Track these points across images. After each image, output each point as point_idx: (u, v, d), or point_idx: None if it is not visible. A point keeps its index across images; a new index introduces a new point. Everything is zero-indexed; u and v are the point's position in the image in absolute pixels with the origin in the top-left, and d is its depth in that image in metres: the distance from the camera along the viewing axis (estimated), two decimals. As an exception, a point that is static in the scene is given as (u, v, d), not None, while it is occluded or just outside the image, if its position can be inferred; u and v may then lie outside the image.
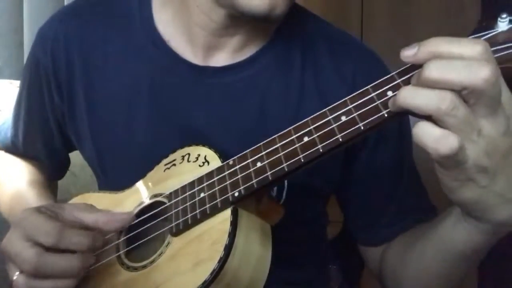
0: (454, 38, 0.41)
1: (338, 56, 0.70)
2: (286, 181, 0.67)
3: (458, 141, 0.40)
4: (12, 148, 0.85)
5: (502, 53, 0.42)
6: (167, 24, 0.70)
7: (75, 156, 0.86)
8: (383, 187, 0.71)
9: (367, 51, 0.73)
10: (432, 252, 0.58)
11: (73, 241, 0.53)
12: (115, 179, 0.72)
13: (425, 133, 0.41)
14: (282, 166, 0.51)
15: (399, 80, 0.45)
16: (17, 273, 0.53)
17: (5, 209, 0.80)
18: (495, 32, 0.43)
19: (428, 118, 0.41)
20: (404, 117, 0.48)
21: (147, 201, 0.63)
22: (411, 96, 0.41)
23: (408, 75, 0.45)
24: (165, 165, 0.65)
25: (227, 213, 0.53)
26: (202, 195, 0.56)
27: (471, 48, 0.40)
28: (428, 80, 0.40)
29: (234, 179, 0.54)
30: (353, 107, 0.48)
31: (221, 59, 0.69)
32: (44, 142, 0.80)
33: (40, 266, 0.51)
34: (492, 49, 0.42)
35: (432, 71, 0.40)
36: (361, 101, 0.47)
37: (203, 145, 0.62)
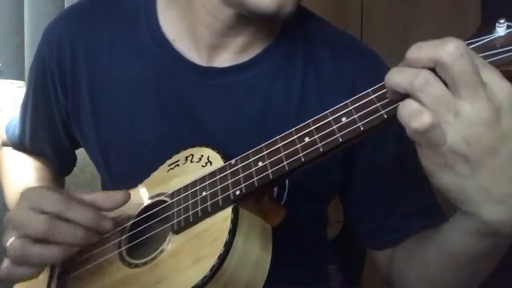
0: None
1: (339, 58, 0.71)
2: (287, 184, 0.67)
3: (431, 119, 0.41)
4: (20, 145, 0.87)
5: (499, 57, 0.43)
6: (172, 23, 0.71)
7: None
8: (385, 190, 0.71)
9: (369, 53, 0.74)
10: (434, 255, 0.58)
11: (78, 211, 0.55)
12: (120, 178, 0.73)
13: (403, 106, 0.42)
14: (283, 164, 0.52)
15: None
16: (13, 238, 0.54)
17: (13, 204, 0.81)
18: (493, 37, 0.45)
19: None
20: None
21: (150, 200, 0.64)
22: (393, 75, 0.43)
23: None
24: (169, 165, 0.66)
25: (228, 212, 0.54)
26: (204, 193, 0.57)
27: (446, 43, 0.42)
28: (407, 63, 0.43)
29: (235, 177, 0.55)
30: (353, 108, 0.49)
31: (225, 59, 0.70)
32: (50, 140, 0.82)
33: (50, 230, 0.53)
34: (490, 52, 0.44)
35: (408, 53, 0.43)
36: (361, 103, 0.49)
37: (206, 146, 0.63)
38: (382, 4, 1.68)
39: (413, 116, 0.41)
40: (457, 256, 0.54)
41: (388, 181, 0.71)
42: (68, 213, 0.54)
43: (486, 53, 0.44)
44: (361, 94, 0.49)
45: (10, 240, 0.54)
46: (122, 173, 0.73)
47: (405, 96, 0.43)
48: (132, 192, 0.67)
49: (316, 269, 0.81)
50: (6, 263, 0.56)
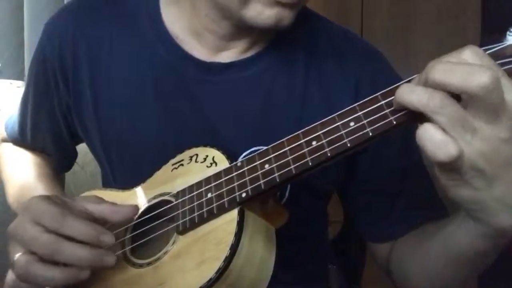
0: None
1: (341, 55, 0.71)
2: None
3: (458, 150, 0.40)
4: (20, 141, 0.86)
5: (510, 66, 0.43)
6: (175, 20, 0.71)
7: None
8: (390, 184, 0.71)
9: (372, 50, 0.75)
10: (437, 252, 0.59)
11: (75, 228, 0.53)
12: (123, 176, 0.73)
13: (427, 136, 0.41)
14: (289, 168, 0.52)
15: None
16: (20, 253, 0.53)
17: (13, 201, 0.81)
18: (504, 45, 0.44)
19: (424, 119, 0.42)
20: None
21: (154, 199, 0.64)
22: (406, 93, 0.43)
23: None
24: (173, 165, 0.65)
25: (233, 214, 0.54)
26: (209, 195, 0.57)
27: (463, 53, 0.41)
28: (431, 83, 0.42)
29: (242, 180, 0.55)
30: (362, 114, 0.49)
31: (227, 57, 0.70)
32: (51, 136, 0.82)
33: (53, 250, 0.52)
34: (500, 61, 0.44)
35: (435, 74, 0.41)
36: (370, 108, 0.48)
37: (211, 147, 0.62)
38: (382, 4, 1.69)
39: (440, 148, 0.41)
40: (463, 253, 0.54)
41: (391, 176, 0.71)
42: (64, 229, 0.53)
43: (497, 62, 0.44)
44: (369, 98, 0.49)
45: (17, 255, 0.53)
46: (125, 171, 0.73)
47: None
48: (136, 190, 0.67)
49: (316, 269, 0.81)
50: (11, 275, 0.55)
